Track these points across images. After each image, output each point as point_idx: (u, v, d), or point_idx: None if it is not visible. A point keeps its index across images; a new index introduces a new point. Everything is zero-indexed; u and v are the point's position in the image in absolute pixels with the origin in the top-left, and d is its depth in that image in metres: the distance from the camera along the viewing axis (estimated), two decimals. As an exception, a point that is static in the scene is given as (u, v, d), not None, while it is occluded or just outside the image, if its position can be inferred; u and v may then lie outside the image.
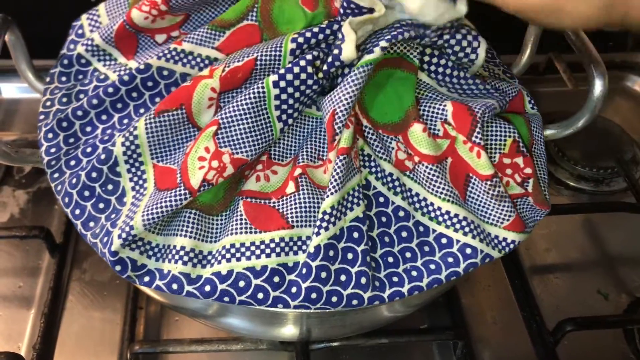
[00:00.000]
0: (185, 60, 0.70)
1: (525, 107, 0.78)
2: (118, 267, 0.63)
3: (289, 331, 0.72)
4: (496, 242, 0.67)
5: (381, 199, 0.66)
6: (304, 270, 0.60)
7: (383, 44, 0.63)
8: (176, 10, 0.73)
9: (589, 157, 1.17)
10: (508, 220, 0.67)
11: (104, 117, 0.70)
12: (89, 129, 0.70)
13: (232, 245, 0.61)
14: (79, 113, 0.70)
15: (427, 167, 0.65)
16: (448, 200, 0.65)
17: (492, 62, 0.86)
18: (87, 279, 0.96)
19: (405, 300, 0.70)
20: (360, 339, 0.85)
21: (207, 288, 0.61)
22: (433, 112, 0.67)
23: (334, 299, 0.61)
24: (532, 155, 0.72)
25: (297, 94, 0.64)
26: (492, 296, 0.99)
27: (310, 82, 0.64)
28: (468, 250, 0.65)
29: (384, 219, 0.65)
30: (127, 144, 0.65)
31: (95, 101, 0.69)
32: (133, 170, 0.66)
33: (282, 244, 0.61)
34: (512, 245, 0.68)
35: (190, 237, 0.63)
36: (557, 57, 1.31)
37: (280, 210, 0.63)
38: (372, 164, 0.66)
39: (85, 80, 0.76)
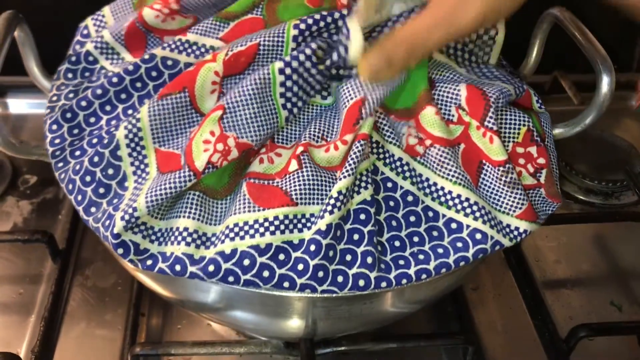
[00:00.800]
0: (189, 50, 0.70)
1: (534, 105, 0.78)
2: (120, 250, 0.61)
3: (295, 324, 0.70)
4: (507, 230, 0.66)
5: (389, 184, 0.65)
6: (312, 247, 0.59)
7: None
8: (186, 11, 0.74)
9: (598, 171, 1.16)
10: (520, 208, 0.66)
11: (108, 108, 0.70)
12: (93, 119, 0.70)
13: (236, 225, 0.60)
14: (83, 104, 0.70)
15: (439, 149, 0.64)
16: (459, 184, 0.64)
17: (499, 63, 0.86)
18: (89, 285, 0.95)
19: (411, 293, 0.68)
20: (368, 343, 0.83)
21: (211, 268, 0.59)
22: (448, 96, 0.67)
23: (340, 278, 0.59)
24: (545, 147, 0.72)
25: (301, 82, 0.64)
26: (503, 305, 0.96)
27: (314, 71, 0.64)
28: (478, 236, 0.63)
29: (391, 203, 0.64)
30: (130, 127, 0.65)
31: (99, 91, 0.70)
32: (134, 154, 0.65)
33: (287, 221, 0.60)
34: (523, 235, 0.66)
35: (193, 218, 0.62)
36: (563, 75, 1.32)
37: (284, 188, 0.62)
38: (381, 150, 0.66)
39: (93, 78, 0.76)
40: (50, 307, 0.88)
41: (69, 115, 0.70)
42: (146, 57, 0.70)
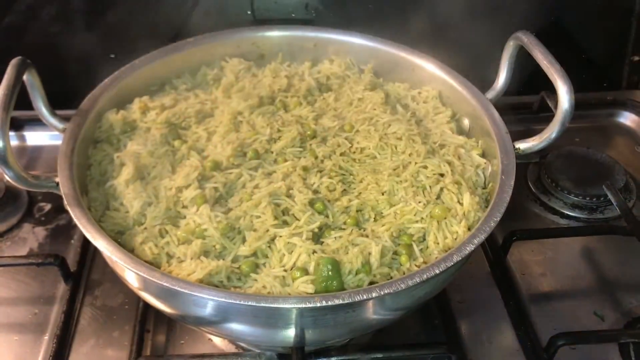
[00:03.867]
0: None
1: None
2: None
3: (285, 333, 0.75)
4: None
5: None
6: None
7: None
8: None
9: (582, 186, 1.21)
10: None
11: None
12: None
13: None
14: None
15: None
16: None
17: None
18: (98, 304, 1.01)
19: (391, 301, 0.74)
20: (357, 353, 0.88)
21: None
22: None
23: None
24: None
25: None
26: (488, 317, 1.01)
27: None
28: None
29: None
30: None
31: None
32: None
33: None
34: None
35: None
36: (549, 96, 1.38)
37: None
38: None
39: None
40: (62, 325, 0.95)
41: None
42: None
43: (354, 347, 0.89)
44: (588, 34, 1.53)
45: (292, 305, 0.67)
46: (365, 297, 0.68)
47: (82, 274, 1.05)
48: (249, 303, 0.67)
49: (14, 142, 1.33)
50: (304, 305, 0.67)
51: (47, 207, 1.20)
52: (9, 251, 1.11)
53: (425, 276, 0.71)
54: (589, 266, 1.11)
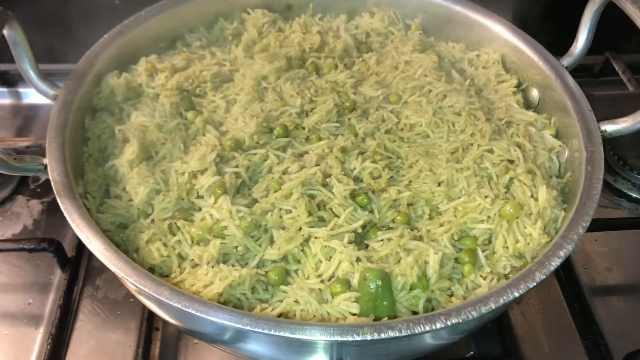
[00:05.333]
0: None
1: None
2: None
3: (321, 360, 0.63)
4: None
5: None
6: None
7: None
8: None
9: (655, 166, 1.05)
10: None
11: None
12: None
13: None
14: None
15: None
16: None
17: None
18: (99, 297, 0.88)
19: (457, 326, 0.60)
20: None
21: None
22: None
23: None
24: None
25: None
26: (548, 321, 0.87)
27: None
28: None
29: None
30: None
31: None
32: None
33: None
34: None
35: None
36: (615, 57, 1.20)
37: None
38: None
39: None
40: (58, 323, 0.82)
41: None
42: None
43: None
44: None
45: (334, 339, 0.53)
46: (427, 328, 0.54)
47: (82, 260, 0.92)
48: (281, 334, 0.53)
49: (6, 100, 1.18)
50: (349, 339, 0.53)
51: (44, 176, 1.06)
52: (0, 229, 0.97)
53: (502, 301, 0.57)
54: (661, 259, 0.97)
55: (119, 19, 0.88)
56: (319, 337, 0.53)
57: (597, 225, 0.95)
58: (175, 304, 0.56)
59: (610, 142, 1.09)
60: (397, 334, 0.53)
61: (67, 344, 0.83)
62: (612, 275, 0.95)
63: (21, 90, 1.19)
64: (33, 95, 1.18)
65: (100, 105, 0.81)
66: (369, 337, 0.53)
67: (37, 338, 0.84)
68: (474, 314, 0.55)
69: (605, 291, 0.93)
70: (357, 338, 0.53)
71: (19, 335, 0.85)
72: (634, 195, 1.05)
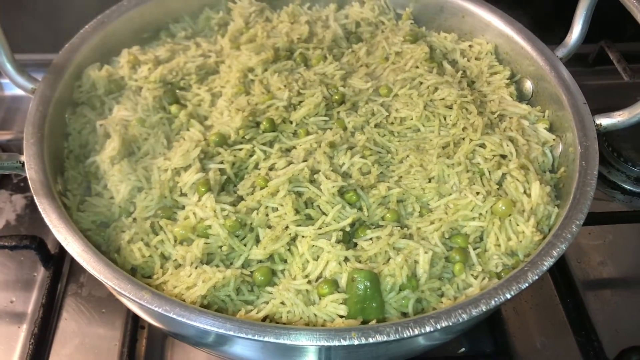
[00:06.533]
0: None
1: None
2: None
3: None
4: None
5: None
6: None
7: None
8: None
9: (650, 157, 1.04)
10: None
11: None
12: None
13: None
14: None
15: None
16: None
17: None
18: (84, 294, 0.86)
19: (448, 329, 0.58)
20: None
21: None
22: None
23: None
24: None
25: None
26: (541, 317, 0.86)
27: None
28: None
29: None
30: None
31: None
32: None
33: None
34: None
35: None
36: (610, 46, 1.18)
37: None
38: None
39: None
40: (40, 321, 0.80)
41: None
42: None
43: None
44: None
45: (320, 344, 0.51)
46: (416, 332, 0.52)
47: (65, 257, 0.89)
48: (266, 339, 0.52)
49: (-14, 92, 1.15)
50: (336, 344, 0.51)
51: (22, 174, 1.04)
52: (-18, 225, 0.95)
53: (493, 302, 0.55)
54: (656, 253, 0.95)
55: (100, 8, 0.86)
56: (305, 342, 0.52)
57: (591, 218, 0.94)
58: (156, 308, 0.54)
59: (605, 134, 1.07)
60: (385, 338, 0.52)
61: (50, 343, 0.81)
62: (606, 270, 0.93)
63: (2, 81, 1.16)
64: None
65: (81, 99, 0.79)
66: (356, 342, 0.51)
67: (20, 337, 0.82)
68: (464, 316, 0.54)
69: (599, 286, 0.91)
70: (344, 343, 0.51)
71: (1, 334, 0.83)
72: (628, 187, 1.04)
